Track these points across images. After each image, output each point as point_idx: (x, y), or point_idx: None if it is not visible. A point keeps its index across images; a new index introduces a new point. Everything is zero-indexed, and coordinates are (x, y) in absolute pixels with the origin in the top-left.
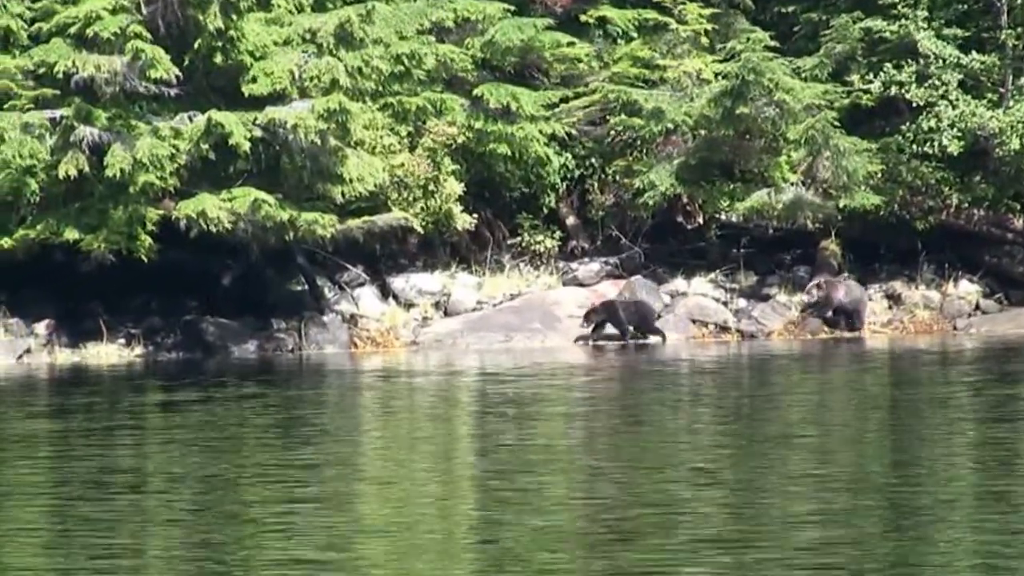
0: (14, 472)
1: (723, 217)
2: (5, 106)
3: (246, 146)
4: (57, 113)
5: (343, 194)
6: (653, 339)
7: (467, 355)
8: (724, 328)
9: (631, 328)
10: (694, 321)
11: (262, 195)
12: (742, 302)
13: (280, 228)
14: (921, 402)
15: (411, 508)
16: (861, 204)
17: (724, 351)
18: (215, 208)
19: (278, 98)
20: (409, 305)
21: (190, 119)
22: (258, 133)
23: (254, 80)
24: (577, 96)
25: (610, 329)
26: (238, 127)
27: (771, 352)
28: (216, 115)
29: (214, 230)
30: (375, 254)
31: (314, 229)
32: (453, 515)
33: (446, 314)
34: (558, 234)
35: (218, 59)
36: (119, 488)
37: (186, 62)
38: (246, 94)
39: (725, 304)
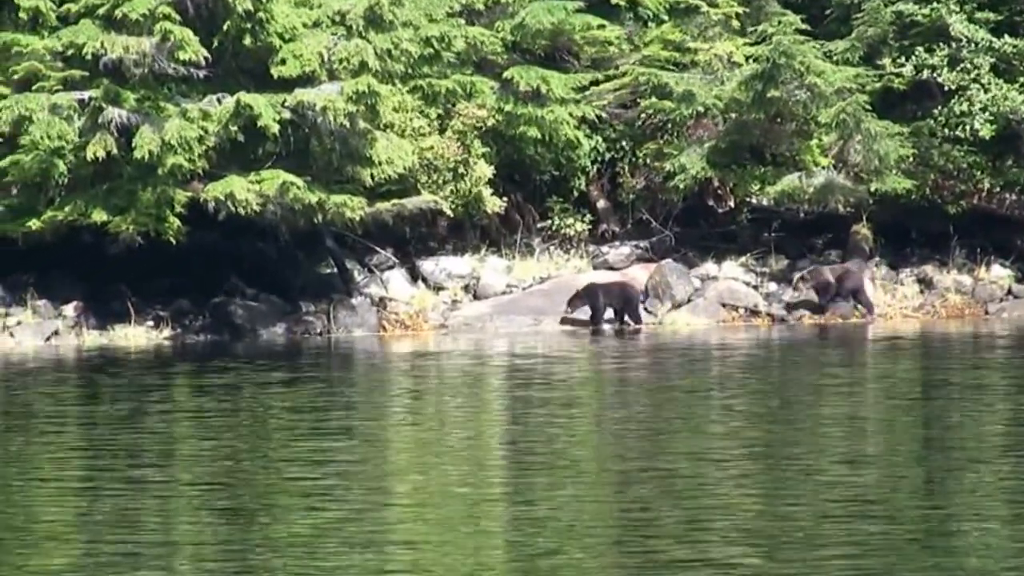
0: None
1: (754, 201)
2: (33, 87)
3: (275, 128)
4: (86, 95)
5: (372, 177)
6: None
7: (497, 338)
8: (754, 312)
9: (615, 313)
10: (724, 305)
11: (291, 177)
12: (772, 286)
13: (309, 211)
14: None
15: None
16: (892, 188)
17: (739, 335)
18: (243, 190)
19: (307, 80)
20: (438, 288)
21: (219, 101)
22: (287, 115)
23: (283, 62)
24: (608, 79)
25: (609, 314)
26: (267, 109)
27: (804, 337)
28: (245, 97)
29: (242, 212)
30: (405, 237)
31: (343, 212)
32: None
33: (475, 297)
34: (588, 217)
35: (247, 41)
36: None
37: (215, 44)
38: (275, 76)
39: (756, 288)
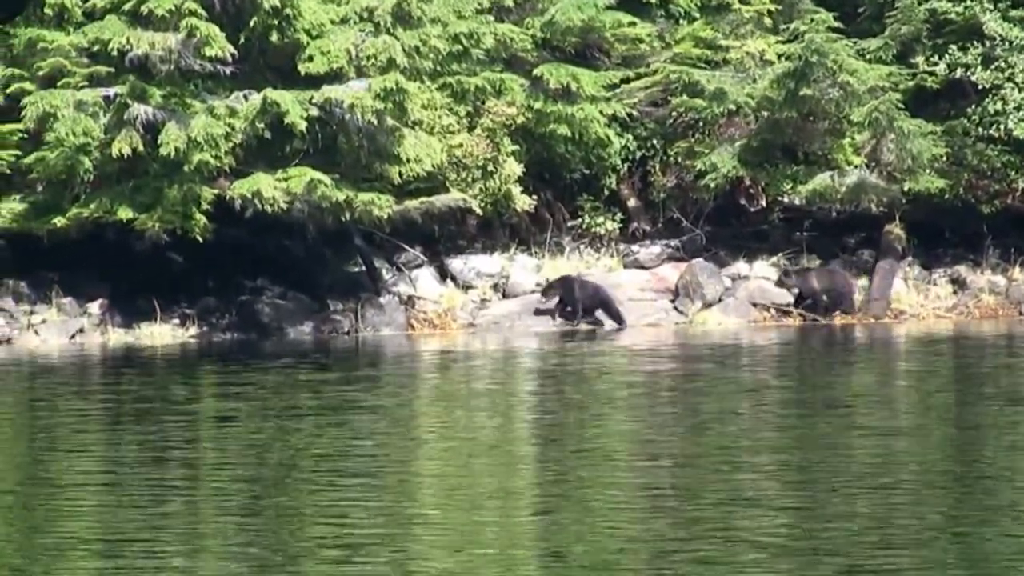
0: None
1: (786, 200)
2: (59, 84)
3: (302, 125)
4: (111, 91)
5: (400, 174)
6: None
7: (527, 338)
8: (785, 312)
9: (583, 310)
10: (755, 304)
11: (318, 175)
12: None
13: (336, 208)
14: None
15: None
16: (926, 187)
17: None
18: (270, 188)
19: (335, 77)
20: (467, 287)
21: (245, 98)
22: (314, 112)
23: (310, 59)
24: (638, 77)
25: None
26: (294, 106)
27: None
28: (272, 94)
29: (269, 210)
30: (434, 235)
31: (371, 210)
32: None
33: (504, 296)
34: (619, 216)
35: (274, 37)
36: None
37: (241, 40)
38: (302, 73)
39: (788, 287)
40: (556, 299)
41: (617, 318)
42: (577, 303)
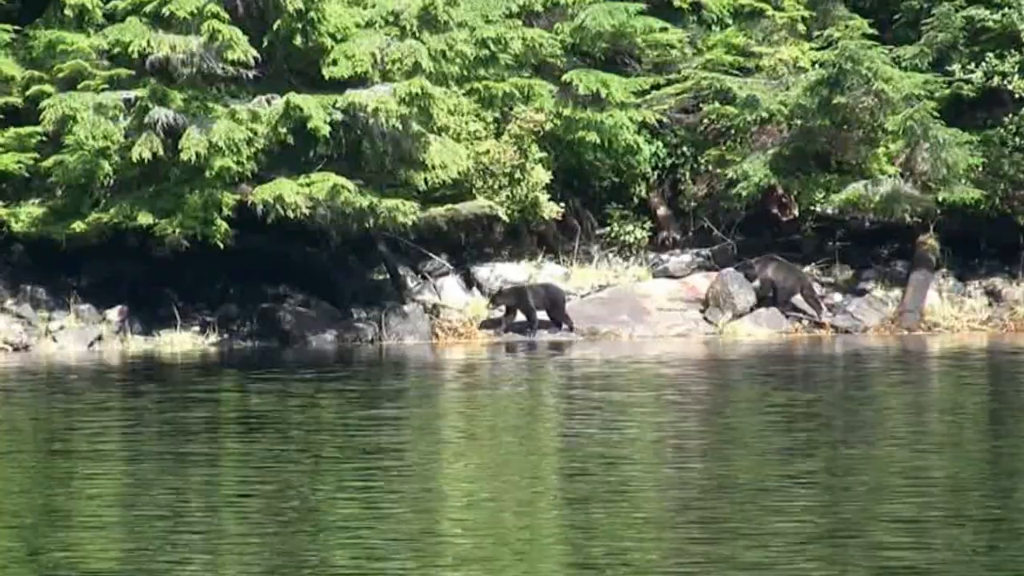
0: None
1: (818, 209)
2: (79, 86)
3: (326, 130)
4: (132, 94)
5: (426, 181)
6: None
7: (551, 350)
8: (818, 323)
9: (539, 317)
10: (787, 316)
11: (342, 180)
12: (837, 296)
13: (360, 215)
14: None
15: None
16: (961, 198)
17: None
18: (293, 193)
19: (359, 81)
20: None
21: (268, 102)
22: (338, 117)
23: (335, 63)
24: (669, 83)
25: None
26: (317, 111)
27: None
28: (295, 98)
29: (292, 216)
30: (460, 243)
31: (395, 216)
32: None
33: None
34: (648, 224)
35: (298, 41)
36: None
37: (265, 43)
38: (326, 77)
39: (820, 299)
40: (505, 309)
41: (566, 322)
42: (532, 312)
